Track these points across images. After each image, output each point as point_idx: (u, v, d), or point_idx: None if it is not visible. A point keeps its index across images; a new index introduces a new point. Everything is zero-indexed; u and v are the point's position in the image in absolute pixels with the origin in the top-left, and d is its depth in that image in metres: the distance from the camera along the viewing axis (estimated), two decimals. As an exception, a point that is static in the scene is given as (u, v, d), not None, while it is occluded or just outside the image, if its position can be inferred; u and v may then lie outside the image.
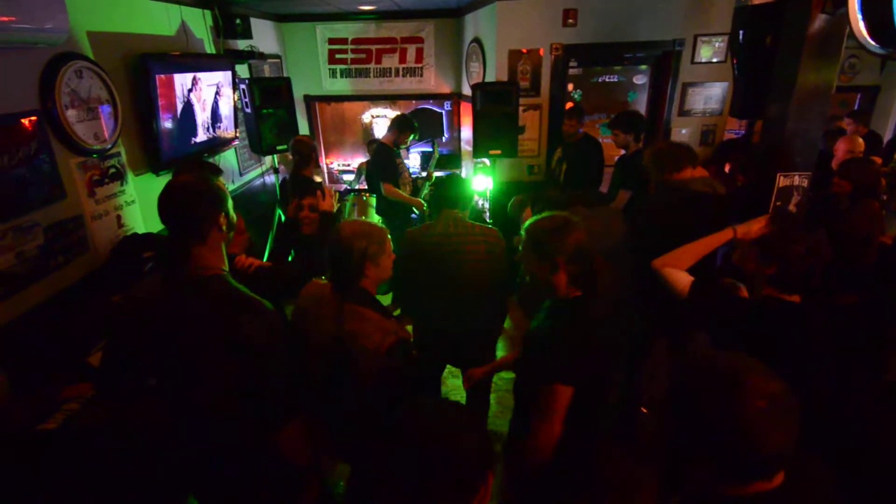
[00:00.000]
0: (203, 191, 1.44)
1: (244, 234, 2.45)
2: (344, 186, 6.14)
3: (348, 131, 6.93)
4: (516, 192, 3.65)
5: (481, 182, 5.02)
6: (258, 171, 5.16)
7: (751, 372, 0.91)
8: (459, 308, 2.32)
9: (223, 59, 4.09)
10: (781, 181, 2.27)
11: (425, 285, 2.35)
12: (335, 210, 2.49)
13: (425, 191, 4.90)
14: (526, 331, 1.83)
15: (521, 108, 4.42)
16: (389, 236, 1.81)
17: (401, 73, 5.93)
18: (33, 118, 2.32)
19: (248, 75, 4.75)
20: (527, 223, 1.73)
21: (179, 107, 3.40)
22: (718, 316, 1.81)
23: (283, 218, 4.52)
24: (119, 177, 2.92)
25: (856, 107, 5.70)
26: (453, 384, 3.25)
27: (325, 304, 1.74)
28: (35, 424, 1.97)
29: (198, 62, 3.69)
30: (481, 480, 0.89)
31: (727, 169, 4.17)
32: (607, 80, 5.25)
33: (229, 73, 4.05)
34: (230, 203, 1.51)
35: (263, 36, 5.12)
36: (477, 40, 4.99)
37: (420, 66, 5.88)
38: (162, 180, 3.24)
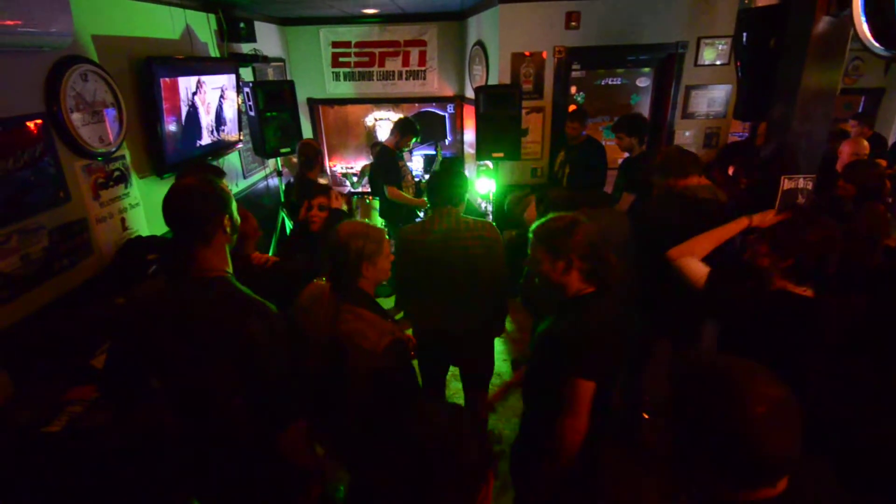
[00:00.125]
0: (207, 193, 1.45)
1: (259, 233, 2.47)
2: (347, 188, 6.15)
3: (351, 134, 6.94)
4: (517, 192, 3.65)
5: (484, 184, 5.02)
6: (262, 173, 5.18)
7: (752, 377, 0.91)
8: (458, 305, 2.31)
9: (227, 63, 4.11)
10: (786, 184, 2.26)
11: (423, 283, 2.34)
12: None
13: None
14: (533, 333, 1.83)
15: (523, 111, 4.42)
16: (389, 238, 1.82)
17: (404, 76, 5.95)
18: (38, 121, 2.34)
19: (251, 78, 4.78)
20: (534, 225, 1.73)
21: (184, 110, 3.42)
22: (733, 307, 1.81)
23: (286, 220, 4.54)
24: (123, 180, 2.93)
25: (860, 109, 5.68)
26: (455, 388, 3.24)
27: (324, 304, 1.75)
28: (39, 427, 1.97)
29: (202, 65, 3.70)
30: (482, 481, 0.89)
31: (731, 172, 4.16)
32: (610, 82, 5.24)
33: (233, 77, 4.07)
34: (234, 205, 1.51)
35: (267, 39, 5.15)
36: (480, 43, 5.00)
37: (423, 69, 5.90)
38: (166, 183, 3.25)
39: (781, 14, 2.23)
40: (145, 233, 3.07)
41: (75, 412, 2.05)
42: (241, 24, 4.24)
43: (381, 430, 1.50)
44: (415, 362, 2.53)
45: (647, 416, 2.81)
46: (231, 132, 4.14)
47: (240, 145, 4.36)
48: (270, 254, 3.88)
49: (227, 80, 3.97)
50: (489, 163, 4.58)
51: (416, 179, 4.89)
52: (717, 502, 0.94)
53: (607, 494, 1.88)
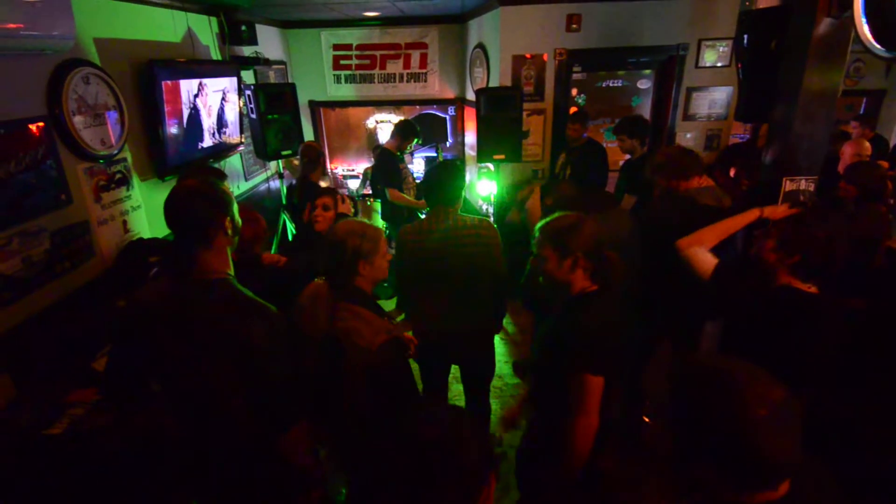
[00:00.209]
0: (208, 195, 1.45)
1: (268, 234, 2.48)
2: (348, 190, 6.16)
3: (353, 137, 6.95)
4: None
5: (485, 187, 5.02)
6: (263, 176, 5.19)
7: (753, 379, 0.90)
8: (457, 304, 2.30)
9: (229, 66, 4.12)
10: (787, 185, 2.26)
11: (422, 283, 2.34)
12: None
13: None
14: (535, 334, 1.83)
15: (524, 113, 4.42)
16: (387, 236, 1.82)
17: (405, 78, 5.96)
18: (40, 124, 2.34)
19: (253, 81, 4.79)
20: (541, 223, 1.76)
21: (185, 112, 3.42)
22: (739, 300, 1.82)
23: (288, 222, 4.55)
24: (125, 182, 2.94)
25: (861, 111, 5.68)
26: (457, 389, 3.24)
27: (321, 302, 1.75)
28: (40, 429, 1.97)
29: (204, 68, 3.71)
30: (484, 483, 0.89)
31: (732, 173, 4.16)
32: (611, 84, 5.25)
33: (235, 79, 4.08)
34: (235, 207, 1.52)
35: (269, 42, 5.16)
36: (481, 46, 5.01)
37: (424, 71, 5.91)
38: (167, 185, 3.26)
39: (782, 16, 2.23)
40: (147, 235, 3.08)
41: (77, 415, 2.05)
42: (243, 27, 4.25)
43: (380, 430, 1.50)
44: (416, 364, 2.55)
45: (647, 420, 2.81)
46: (232, 134, 4.14)
47: (241, 148, 4.37)
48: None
49: (228, 83, 3.98)
50: (490, 165, 4.58)
51: (417, 181, 4.90)
52: None
53: (611, 498, 1.88)
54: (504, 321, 4.26)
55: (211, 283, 1.45)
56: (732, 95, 4.70)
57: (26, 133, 2.27)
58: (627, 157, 3.94)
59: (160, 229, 3.12)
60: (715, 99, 4.75)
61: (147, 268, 2.74)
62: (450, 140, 6.73)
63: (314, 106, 6.16)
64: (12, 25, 2.00)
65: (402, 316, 4.24)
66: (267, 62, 4.81)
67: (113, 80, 2.77)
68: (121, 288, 2.66)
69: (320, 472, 1.64)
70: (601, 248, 1.67)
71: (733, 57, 4.47)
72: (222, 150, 4.01)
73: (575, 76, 4.84)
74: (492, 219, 4.75)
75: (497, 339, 3.86)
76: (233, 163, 4.48)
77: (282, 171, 4.88)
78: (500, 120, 4.16)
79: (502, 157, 4.25)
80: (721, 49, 4.55)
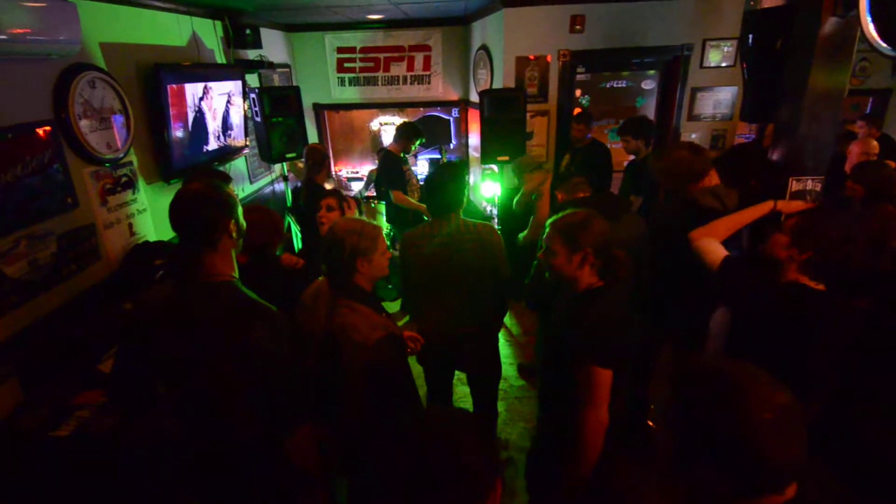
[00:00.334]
0: (213, 198, 1.46)
1: (284, 234, 2.48)
2: (354, 192, 6.17)
3: (357, 139, 6.97)
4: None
5: (489, 188, 5.02)
6: (268, 178, 5.21)
7: (756, 383, 0.89)
8: (461, 308, 2.30)
9: (234, 69, 4.14)
10: (794, 185, 2.25)
11: (426, 287, 2.34)
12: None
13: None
14: (539, 335, 1.84)
15: (528, 115, 4.42)
16: (392, 238, 1.83)
17: (409, 80, 5.97)
18: (47, 128, 2.36)
19: (258, 84, 4.81)
20: (552, 218, 1.78)
21: (190, 116, 3.44)
22: (747, 293, 1.82)
23: (293, 225, 4.56)
24: (131, 185, 2.95)
25: (868, 110, 5.64)
26: (462, 391, 3.23)
27: (321, 299, 1.76)
28: (47, 431, 1.98)
29: (209, 72, 3.73)
30: (490, 488, 0.88)
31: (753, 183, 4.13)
32: (615, 85, 5.24)
33: (240, 83, 4.10)
34: (240, 210, 1.52)
35: (273, 45, 5.18)
36: (484, 47, 5.01)
37: (428, 73, 5.92)
38: (173, 188, 3.27)
39: (787, 15, 2.21)
40: (152, 238, 3.09)
41: (83, 417, 2.06)
42: (248, 31, 4.27)
43: (383, 431, 1.50)
44: (420, 367, 2.55)
45: (652, 424, 2.79)
46: (237, 138, 4.16)
47: (246, 151, 4.39)
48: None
49: (233, 87, 4.00)
50: (494, 166, 4.58)
51: (422, 184, 4.90)
52: None
53: (615, 499, 1.87)
54: (508, 323, 4.27)
55: (215, 285, 1.45)
56: (737, 95, 4.68)
57: (33, 137, 2.29)
58: (632, 157, 3.93)
59: (166, 232, 3.14)
60: (720, 99, 4.73)
61: (153, 270, 2.75)
62: (453, 142, 6.74)
63: (318, 109, 6.18)
64: (19, 30, 2.02)
65: (408, 318, 4.25)
66: (271, 65, 4.83)
67: (119, 84, 2.79)
68: (127, 291, 2.67)
69: (324, 473, 1.64)
70: (610, 246, 1.69)
71: (738, 57, 4.45)
72: (227, 153, 4.02)
73: (579, 77, 4.83)
74: (495, 221, 4.76)
75: (502, 340, 3.86)
76: (238, 166, 4.50)
77: (286, 173, 4.90)
78: (504, 121, 4.16)
79: (506, 158, 4.25)
80: (726, 49, 4.53)
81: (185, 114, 3.38)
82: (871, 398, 2.00)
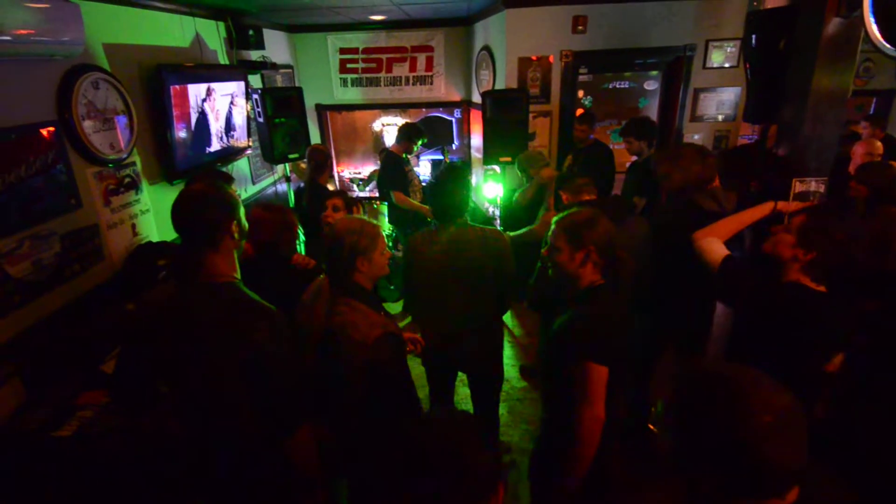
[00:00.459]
0: (215, 199, 1.46)
1: (295, 232, 2.46)
2: (356, 193, 6.19)
3: (359, 140, 6.97)
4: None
5: (491, 189, 5.02)
6: (270, 179, 5.22)
7: (757, 387, 0.89)
8: (466, 312, 2.30)
9: (236, 70, 4.15)
10: (797, 187, 2.24)
11: (431, 291, 2.34)
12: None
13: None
14: (541, 334, 1.84)
15: (531, 115, 4.42)
16: (394, 239, 1.84)
17: (411, 81, 5.97)
18: (51, 129, 2.37)
19: (260, 85, 4.82)
20: (557, 217, 1.80)
21: (193, 117, 3.45)
22: (747, 293, 1.82)
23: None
24: (134, 186, 2.96)
25: (871, 111, 5.62)
26: (464, 393, 3.23)
27: (321, 298, 1.77)
28: (49, 431, 1.99)
29: (211, 73, 3.74)
30: (491, 491, 0.88)
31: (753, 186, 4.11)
32: (618, 86, 5.23)
33: (242, 84, 4.10)
34: (242, 211, 1.52)
35: (276, 46, 5.19)
36: (487, 48, 5.01)
37: (430, 74, 5.92)
38: (176, 189, 3.28)
39: (791, 16, 2.21)
40: (155, 238, 3.10)
41: (86, 417, 2.06)
42: (250, 32, 4.28)
43: (380, 430, 1.50)
44: (422, 369, 2.55)
45: (652, 428, 2.78)
46: (240, 138, 4.17)
47: (249, 151, 4.40)
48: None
49: (236, 87, 4.01)
50: (496, 167, 4.58)
51: (424, 184, 4.90)
52: None
53: (616, 501, 1.87)
54: (510, 324, 4.26)
55: (217, 286, 1.46)
56: (740, 96, 4.67)
57: (37, 138, 2.30)
58: (634, 158, 3.92)
59: (169, 232, 3.14)
60: (723, 100, 4.72)
61: (155, 271, 2.76)
62: (456, 142, 6.74)
63: (321, 109, 6.19)
64: (23, 31, 2.03)
65: (409, 319, 4.25)
66: (274, 66, 4.84)
67: (122, 84, 2.80)
68: (130, 291, 2.68)
69: (325, 472, 1.64)
70: (613, 246, 1.71)
71: (741, 57, 4.44)
72: (230, 153, 4.03)
73: (581, 78, 4.83)
74: (497, 222, 4.75)
75: (504, 342, 3.86)
76: (240, 166, 4.51)
77: (289, 174, 4.91)
78: (507, 122, 4.16)
79: (508, 159, 4.25)
80: (729, 50, 4.52)
81: (188, 114, 3.39)
82: (878, 400, 1.99)
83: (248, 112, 4.25)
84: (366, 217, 1.94)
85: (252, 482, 1.58)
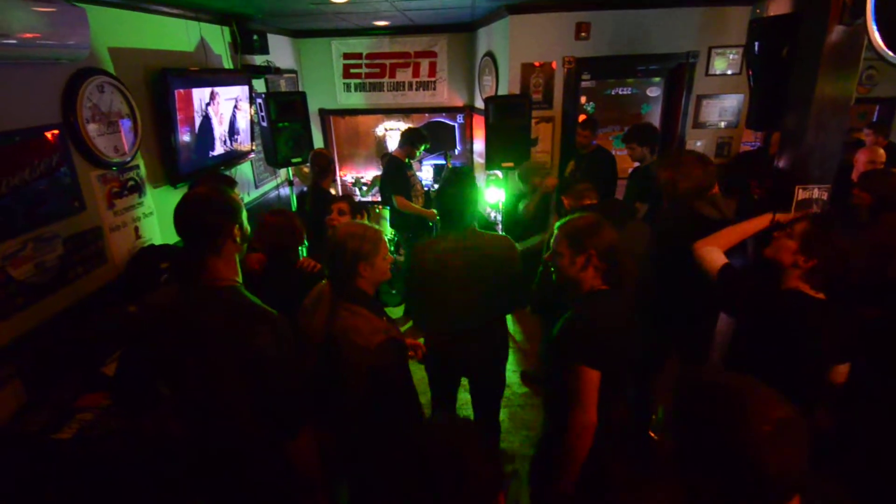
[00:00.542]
0: (217, 203, 1.46)
1: (301, 236, 2.46)
2: (358, 197, 6.19)
3: (362, 144, 6.99)
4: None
5: (494, 194, 5.03)
6: (273, 183, 5.23)
7: (757, 396, 0.89)
8: (473, 321, 2.29)
9: (241, 74, 4.18)
10: (800, 194, 2.23)
11: (436, 300, 2.31)
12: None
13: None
14: (543, 340, 1.84)
15: (533, 121, 4.42)
16: (396, 243, 1.83)
17: (414, 86, 5.99)
18: (55, 132, 2.38)
19: (264, 90, 4.84)
20: (560, 221, 1.81)
21: (197, 120, 3.46)
22: (746, 300, 1.82)
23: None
24: (137, 189, 2.97)
25: (874, 119, 5.62)
26: (464, 399, 3.22)
27: (323, 303, 1.77)
28: (49, 433, 1.99)
29: (216, 77, 3.76)
30: (492, 499, 0.87)
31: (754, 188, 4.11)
32: (620, 92, 5.23)
33: (246, 88, 4.13)
34: (244, 215, 1.53)
35: (280, 51, 5.22)
36: (490, 54, 5.03)
37: (433, 79, 5.94)
38: (179, 192, 3.29)
39: (794, 23, 2.21)
40: (158, 241, 3.11)
41: (86, 419, 2.06)
42: (255, 37, 4.30)
43: (382, 435, 1.50)
44: (424, 374, 2.54)
45: (653, 435, 2.76)
46: (244, 142, 4.19)
47: (252, 155, 4.41)
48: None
49: (240, 92, 4.03)
50: (499, 172, 4.58)
51: (426, 189, 4.90)
52: None
53: (617, 502, 1.86)
54: (511, 329, 4.25)
55: (219, 289, 1.46)
56: (743, 103, 4.67)
57: (41, 140, 2.31)
58: (636, 164, 3.92)
59: (172, 235, 3.15)
60: (725, 107, 4.72)
61: (158, 274, 2.76)
62: (458, 148, 6.75)
63: (324, 114, 6.21)
64: (29, 35, 2.05)
65: (410, 323, 4.24)
66: (278, 71, 4.86)
67: (127, 88, 2.82)
68: (132, 293, 2.68)
69: (325, 475, 1.64)
70: (615, 251, 1.71)
71: (744, 64, 4.44)
72: (233, 157, 4.05)
73: (584, 84, 4.84)
74: (499, 227, 4.75)
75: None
76: (243, 170, 4.52)
77: (291, 178, 4.92)
78: (509, 128, 4.17)
79: (511, 164, 4.25)
80: (731, 56, 4.53)
81: (193, 118, 3.41)
82: (879, 407, 1.98)
83: (251, 116, 4.27)
84: (368, 222, 1.94)
85: (253, 484, 1.58)
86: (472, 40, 5.69)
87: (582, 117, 4.53)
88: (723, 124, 4.79)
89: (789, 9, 2.26)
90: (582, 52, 4.48)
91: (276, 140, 4.37)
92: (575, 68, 4.53)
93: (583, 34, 4.41)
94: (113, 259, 2.75)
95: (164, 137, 3.20)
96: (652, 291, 2.41)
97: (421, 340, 2.31)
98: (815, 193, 2.24)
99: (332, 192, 4.32)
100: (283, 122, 4.36)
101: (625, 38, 4.43)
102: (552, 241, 1.81)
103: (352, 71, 5.96)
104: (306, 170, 4.70)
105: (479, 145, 5.96)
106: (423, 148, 4.35)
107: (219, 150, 3.78)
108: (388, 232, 4.76)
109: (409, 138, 4.28)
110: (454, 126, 6.64)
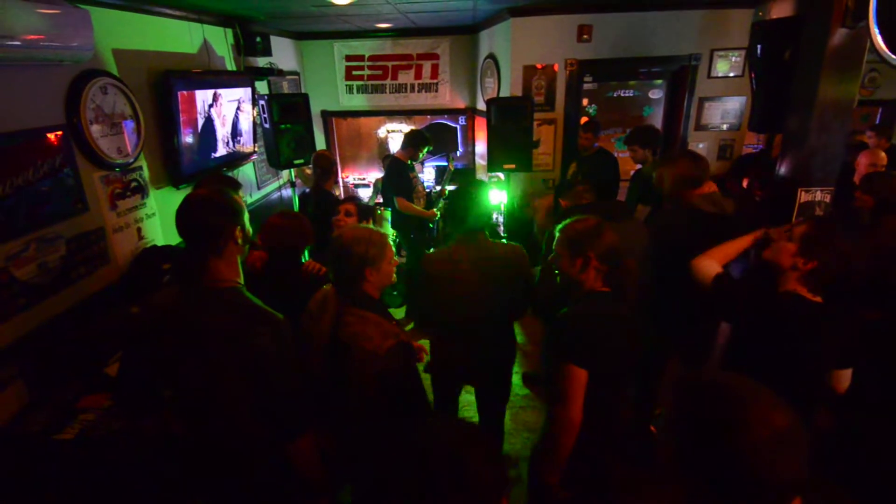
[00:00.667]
0: (219, 205, 1.47)
1: (310, 238, 2.46)
2: (360, 198, 6.20)
3: (364, 146, 7.01)
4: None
5: (496, 196, 5.03)
6: (275, 184, 5.24)
7: (756, 399, 0.88)
8: (481, 331, 2.27)
9: (243, 76, 4.19)
10: (803, 196, 2.23)
11: (447, 310, 2.29)
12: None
13: (440, 205, 4.93)
14: (544, 341, 1.84)
15: (535, 123, 4.43)
16: (397, 245, 1.83)
17: (416, 88, 6.00)
18: (59, 133, 2.39)
19: (267, 91, 4.85)
20: (561, 224, 1.81)
21: (200, 122, 3.47)
22: (744, 303, 1.83)
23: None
24: (140, 190, 2.98)
25: (877, 121, 5.61)
26: (466, 400, 3.22)
27: (329, 307, 1.76)
28: (51, 434, 1.99)
29: (219, 79, 3.77)
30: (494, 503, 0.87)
31: (745, 184, 4.12)
32: (622, 94, 5.24)
33: (249, 90, 4.14)
34: (246, 217, 1.53)
35: (283, 53, 5.23)
36: (492, 56, 5.04)
37: (435, 81, 5.95)
38: (182, 194, 3.30)
39: (796, 26, 2.21)
40: (161, 242, 3.11)
41: (88, 420, 2.07)
42: (258, 39, 4.32)
43: (388, 442, 1.49)
44: (427, 376, 2.53)
45: (654, 429, 2.76)
46: (246, 144, 4.20)
47: (254, 157, 4.42)
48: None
49: (243, 93, 4.04)
50: (501, 174, 4.59)
51: (428, 191, 4.91)
52: None
53: (617, 502, 1.86)
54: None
55: (220, 291, 1.46)
56: (745, 105, 4.66)
57: (45, 141, 2.32)
58: (639, 166, 3.92)
59: (174, 237, 3.16)
60: (728, 109, 4.72)
61: (160, 274, 2.77)
62: (460, 149, 6.76)
63: (326, 116, 6.23)
64: (33, 37, 2.05)
65: (412, 325, 4.24)
66: (281, 73, 4.88)
67: (130, 90, 2.82)
68: (134, 294, 2.69)
69: (327, 478, 1.64)
70: (616, 253, 1.71)
71: (746, 67, 4.44)
72: (236, 159, 4.06)
73: (586, 86, 4.84)
74: (501, 228, 4.75)
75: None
76: (246, 172, 4.54)
77: (294, 179, 4.93)
78: (511, 129, 4.17)
79: (513, 166, 4.25)
80: (734, 59, 4.53)
81: (195, 120, 3.42)
82: (880, 410, 1.98)
83: (254, 118, 4.28)
84: (373, 226, 1.93)
85: (253, 485, 1.58)
86: (475, 42, 5.70)
87: (584, 119, 4.54)
88: (725, 127, 4.79)
89: (792, 11, 2.27)
90: (584, 55, 4.48)
91: (279, 142, 4.37)
92: (577, 70, 4.54)
93: (585, 36, 4.42)
94: (115, 260, 2.76)
95: (167, 139, 3.21)
96: (652, 292, 2.41)
97: (423, 342, 2.31)
98: (818, 196, 2.24)
99: (336, 193, 4.33)
100: (286, 124, 4.37)
101: (627, 41, 4.43)
102: (554, 243, 1.82)
103: (354, 73, 5.98)
104: (308, 171, 4.71)
105: (480, 147, 5.97)
106: (425, 150, 4.36)
107: (221, 151, 3.79)
108: (390, 233, 4.76)
109: (412, 140, 4.29)
110: (456, 128, 6.65)
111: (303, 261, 2.37)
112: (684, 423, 0.94)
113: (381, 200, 5.37)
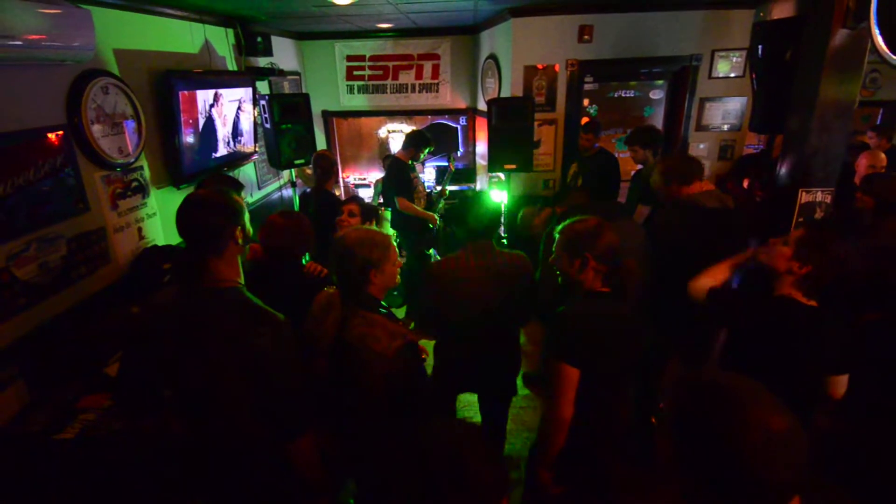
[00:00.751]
0: (219, 205, 1.47)
1: (310, 239, 2.45)
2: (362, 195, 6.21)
3: (365, 146, 7.01)
4: (531, 205, 3.64)
5: (496, 196, 5.03)
6: (276, 184, 5.24)
7: (756, 401, 0.88)
8: (486, 340, 2.27)
9: (244, 76, 4.19)
10: (804, 197, 2.23)
11: (452, 317, 2.28)
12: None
13: (440, 205, 4.93)
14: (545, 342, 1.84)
15: (536, 123, 4.43)
16: (397, 245, 1.82)
17: (417, 88, 6.00)
18: (60, 132, 2.39)
19: (268, 91, 4.85)
20: (561, 225, 1.82)
21: (201, 122, 3.47)
22: (739, 309, 1.84)
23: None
24: (141, 190, 2.98)
25: (878, 122, 5.60)
26: (466, 400, 3.22)
27: (333, 310, 1.76)
28: (52, 433, 1.99)
29: (220, 79, 3.77)
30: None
31: (745, 184, 4.11)
32: (623, 94, 5.24)
33: (250, 90, 4.14)
34: (247, 217, 1.53)
35: (284, 53, 5.24)
36: (493, 56, 5.04)
37: (436, 81, 5.95)
38: (183, 193, 3.30)
39: (797, 26, 2.21)
40: (161, 242, 3.11)
41: (88, 419, 2.07)
42: (259, 39, 4.32)
43: (391, 442, 1.49)
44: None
45: (654, 421, 2.76)
46: (247, 144, 4.20)
47: (255, 157, 4.42)
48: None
49: (243, 93, 4.04)
50: (501, 174, 4.59)
51: (428, 191, 4.91)
52: None
53: (617, 501, 1.86)
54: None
55: (221, 291, 1.46)
56: (746, 106, 4.66)
57: (46, 141, 2.32)
58: (639, 167, 3.92)
59: (175, 237, 3.16)
60: (729, 109, 4.71)
61: (161, 274, 2.77)
62: (461, 150, 6.76)
63: (327, 116, 6.23)
64: (34, 36, 2.06)
65: (413, 325, 4.24)
66: (282, 73, 4.88)
67: (131, 89, 2.83)
68: (135, 294, 2.69)
69: (328, 479, 1.64)
70: (615, 254, 1.72)
71: (747, 67, 4.44)
72: (237, 158, 4.06)
73: (587, 86, 4.84)
74: (502, 229, 4.75)
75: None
76: (246, 172, 4.54)
77: (294, 179, 4.93)
78: (512, 130, 4.17)
79: (513, 166, 4.26)
80: (735, 59, 4.52)
81: (196, 120, 3.42)
82: (881, 410, 1.98)
83: (254, 118, 4.28)
84: (375, 227, 1.92)
85: (253, 485, 1.58)
86: (475, 43, 5.70)
87: (585, 120, 4.54)
88: (726, 127, 4.78)
89: (793, 12, 2.27)
90: (585, 55, 4.48)
91: (279, 142, 4.38)
92: (578, 71, 4.54)
93: (586, 37, 4.42)
94: (116, 260, 2.76)
95: (168, 139, 3.21)
96: (652, 291, 2.41)
97: (424, 343, 2.30)
98: (819, 196, 2.24)
99: (336, 193, 4.33)
100: (286, 124, 4.37)
101: (628, 41, 4.43)
102: (554, 244, 1.83)
103: (355, 73, 5.98)
104: (309, 171, 4.71)
105: (481, 147, 5.97)
106: (426, 151, 4.36)
107: (222, 151, 3.79)
108: (391, 233, 4.76)
109: (413, 141, 4.29)
110: (457, 128, 6.66)
111: (304, 262, 2.37)
112: (684, 423, 0.94)
113: (382, 200, 5.37)
